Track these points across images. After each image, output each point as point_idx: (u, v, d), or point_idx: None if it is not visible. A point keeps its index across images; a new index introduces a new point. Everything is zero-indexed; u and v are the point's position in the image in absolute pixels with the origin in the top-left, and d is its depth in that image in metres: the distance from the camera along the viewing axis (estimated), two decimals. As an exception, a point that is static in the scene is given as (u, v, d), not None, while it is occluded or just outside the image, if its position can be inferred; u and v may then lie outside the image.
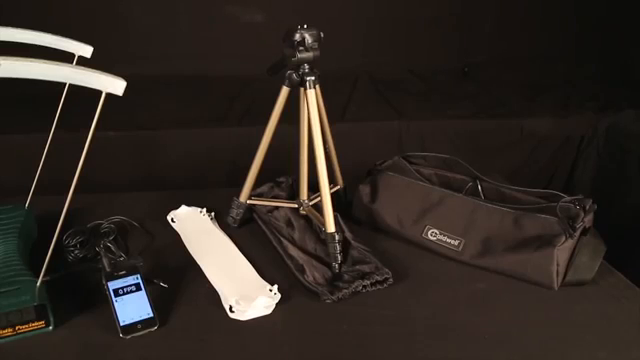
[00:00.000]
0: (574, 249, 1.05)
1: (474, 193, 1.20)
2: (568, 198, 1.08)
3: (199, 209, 1.28)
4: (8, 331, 0.88)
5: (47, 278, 0.92)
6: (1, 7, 2.14)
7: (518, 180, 1.26)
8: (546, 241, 1.04)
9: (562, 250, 1.03)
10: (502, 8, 2.76)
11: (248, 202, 1.22)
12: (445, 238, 1.14)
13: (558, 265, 1.03)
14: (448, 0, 2.73)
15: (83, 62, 0.96)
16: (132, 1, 2.46)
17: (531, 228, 1.08)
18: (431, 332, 0.95)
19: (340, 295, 1.00)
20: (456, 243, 1.13)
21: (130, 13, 2.46)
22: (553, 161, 2.19)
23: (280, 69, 1.10)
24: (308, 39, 1.03)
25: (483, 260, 1.10)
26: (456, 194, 1.17)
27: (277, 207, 1.27)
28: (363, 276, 1.04)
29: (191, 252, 1.14)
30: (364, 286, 1.02)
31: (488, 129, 2.15)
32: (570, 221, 1.04)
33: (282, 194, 1.31)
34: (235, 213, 1.22)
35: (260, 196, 1.28)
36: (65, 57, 0.86)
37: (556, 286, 1.04)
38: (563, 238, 1.03)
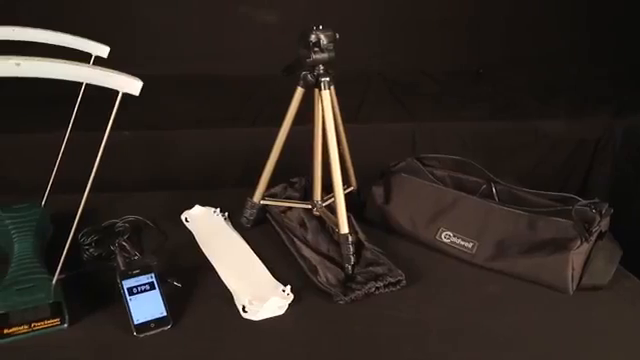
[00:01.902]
0: (590, 253, 1.04)
1: (488, 195, 1.19)
2: (584, 201, 1.07)
3: (213, 209, 1.28)
4: (23, 328, 0.89)
5: (62, 276, 0.93)
6: (16, 8, 2.15)
7: (532, 183, 1.25)
8: (561, 245, 1.03)
9: (577, 254, 1.02)
10: (515, 9, 2.74)
11: (262, 202, 1.22)
12: (459, 240, 1.14)
13: (573, 269, 1.02)
14: (462, 1, 2.72)
15: (99, 62, 0.97)
16: (145, 1, 2.48)
17: (546, 231, 1.07)
18: (444, 335, 0.94)
19: (353, 296, 1.00)
20: (470, 246, 1.13)
21: (143, 13, 2.47)
22: (568, 164, 2.17)
23: (295, 70, 1.10)
24: (323, 40, 1.03)
25: (497, 263, 1.09)
26: (470, 196, 1.17)
27: (290, 208, 1.27)
28: (376, 278, 1.03)
29: (205, 252, 1.14)
30: (377, 288, 1.02)
31: (502, 131, 2.14)
32: (586, 225, 1.03)
33: (295, 195, 1.31)
34: (249, 213, 1.22)
35: (274, 196, 1.28)
36: (75, 56, 0.86)
37: (571, 290, 1.03)
38: (579, 242, 1.02)
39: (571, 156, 2.17)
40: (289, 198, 1.30)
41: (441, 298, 1.04)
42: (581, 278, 1.04)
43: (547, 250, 1.04)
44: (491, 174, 1.21)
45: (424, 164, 1.28)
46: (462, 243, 1.13)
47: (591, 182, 2.19)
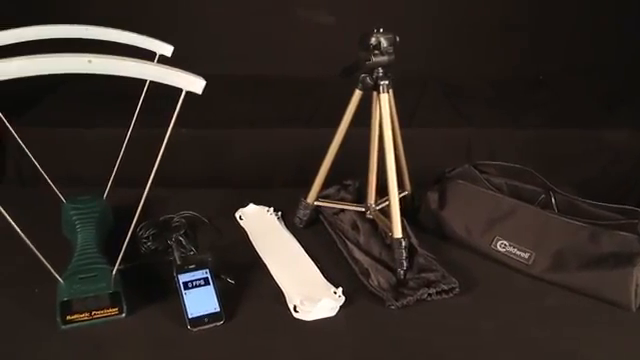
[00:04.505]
0: (656, 270, 0.99)
1: (547, 205, 1.16)
2: (650, 215, 1.03)
3: (266, 208, 1.30)
4: (85, 316, 0.92)
5: (122, 267, 0.96)
6: (80, 7, 2.23)
7: (592, 193, 1.21)
8: (625, 259, 0.99)
9: (642, 270, 0.98)
10: (578, 14, 2.65)
11: (315, 203, 1.22)
12: (515, 250, 1.11)
13: (637, 285, 0.98)
14: (523, 5, 2.65)
15: (162, 61, 0.99)
16: (205, 2, 2.53)
17: (608, 245, 1.03)
18: (497, 346, 0.92)
19: (405, 302, 0.99)
20: (526, 256, 1.10)
21: (202, 14, 2.52)
22: (631, 175, 2.08)
23: (353, 72, 1.10)
24: (384, 43, 1.02)
25: (555, 275, 1.06)
26: (528, 205, 1.14)
27: (343, 210, 1.27)
28: (429, 284, 1.02)
29: (257, 250, 1.16)
30: (429, 294, 1.01)
31: (561, 139, 2.07)
32: (652, 240, 0.99)
33: (348, 197, 1.31)
34: (302, 214, 1.23)
35: (327, 198, 1.28)
36: (137, 55, 0.88)
37: (634, 307, 0.99)
38: (644, 257, 0.98)
39: (635, 167, 2.08)
40: (342, 200, 1.30)
41: (495, 308, 1.01)
42: (645, 295, 0.99)
43: (609, 264, 1.01)
44: (550, 183, 1.18)
45: (480, 171, 1.26)
46: (518, 253, 1.11)
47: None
